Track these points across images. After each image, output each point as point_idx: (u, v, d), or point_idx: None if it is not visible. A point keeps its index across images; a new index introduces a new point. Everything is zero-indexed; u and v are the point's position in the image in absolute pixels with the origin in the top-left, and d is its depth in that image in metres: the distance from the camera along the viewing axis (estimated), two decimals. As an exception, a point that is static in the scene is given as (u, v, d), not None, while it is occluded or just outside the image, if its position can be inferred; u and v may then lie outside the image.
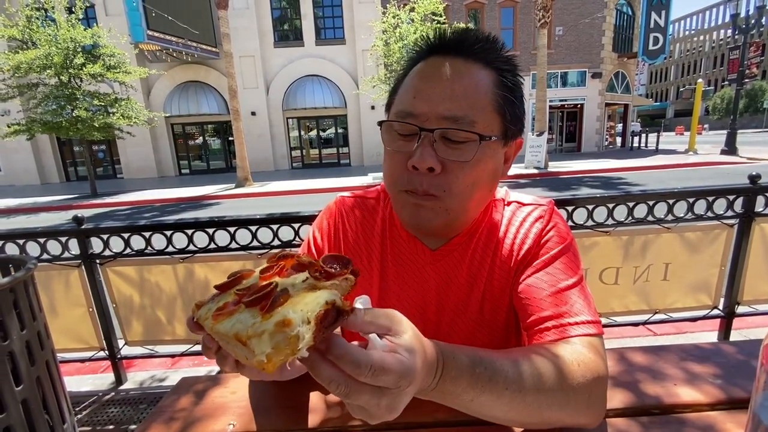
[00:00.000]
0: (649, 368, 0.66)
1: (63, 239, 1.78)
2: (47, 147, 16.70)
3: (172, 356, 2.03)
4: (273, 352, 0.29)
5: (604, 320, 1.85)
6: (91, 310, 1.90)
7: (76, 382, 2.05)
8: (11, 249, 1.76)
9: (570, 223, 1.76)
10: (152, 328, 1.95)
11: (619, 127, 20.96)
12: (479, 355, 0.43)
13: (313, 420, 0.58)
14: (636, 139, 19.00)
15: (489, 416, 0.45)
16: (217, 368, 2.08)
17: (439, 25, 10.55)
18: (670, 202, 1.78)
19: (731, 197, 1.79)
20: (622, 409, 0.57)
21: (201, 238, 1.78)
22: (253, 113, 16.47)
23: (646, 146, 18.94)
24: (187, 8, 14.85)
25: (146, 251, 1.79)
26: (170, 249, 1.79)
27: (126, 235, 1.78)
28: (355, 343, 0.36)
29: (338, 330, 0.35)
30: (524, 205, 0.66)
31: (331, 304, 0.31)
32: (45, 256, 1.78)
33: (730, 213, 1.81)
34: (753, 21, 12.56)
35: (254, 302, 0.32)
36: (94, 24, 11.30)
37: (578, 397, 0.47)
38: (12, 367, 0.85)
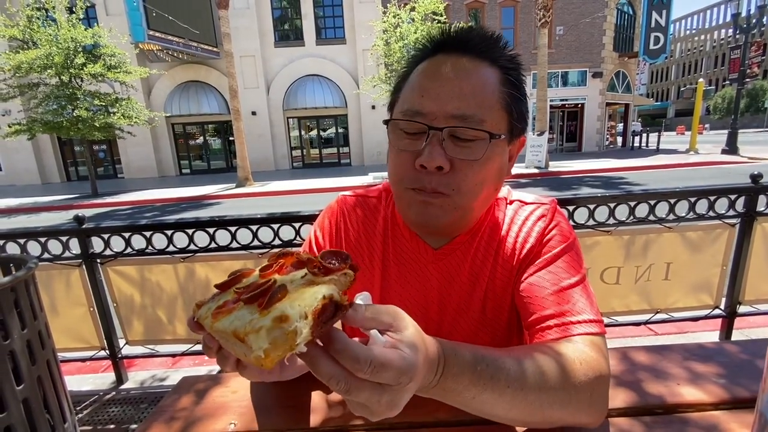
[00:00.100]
0: (652, 367, 0.66)
1: (64, 239, 1.78)
2: (48, 147, 16.72)
3: (173, 356, 2.03)
4: (271, 347, 0.29)
5: (605, 320, 1.84)
6: (91, 309, 1.90)
7: (77, 382, 2.05)
8: (12, 248, 1.76)
9: (571, 222, 1.75)
10: (153, 328, 1.95)
11: (620, 126, 20.93)
12: (481, 352, 0.43)
13: (314, 419, 0.58)
14: (637, 138, 18.98)
15: (490, 414, 0.45)
16: (218, 367, 2.08)
17: (440, 24, 10.60)
18: (672, 201, 1.78)
19: (733, 197, 1.79)
20: (625, 408, 0.57)
21: (202, 238, 1.78)
22: (254, 113, 16.47)
23: (646, 146, 18.92)
24: (188, 8, 14.86)
25: (147, 251, 1.79)
26: (171, 248, 1.79)
27: (127, 235, 1.78)
28: (357, 339, 0.36)
29: (339, 326, 0.35)
30: (527, 203, 0.66)
31: (328, 299, 0.31)
32: (46, 255, 1.78)
33: (731, 212, 1.81)
34: (754, 20, 12.55)
35: (252, 299, 0.32)
36: (95, 24, 11.32)
37: (580, 395, 0.46)
38: (13, 366, 0.85)
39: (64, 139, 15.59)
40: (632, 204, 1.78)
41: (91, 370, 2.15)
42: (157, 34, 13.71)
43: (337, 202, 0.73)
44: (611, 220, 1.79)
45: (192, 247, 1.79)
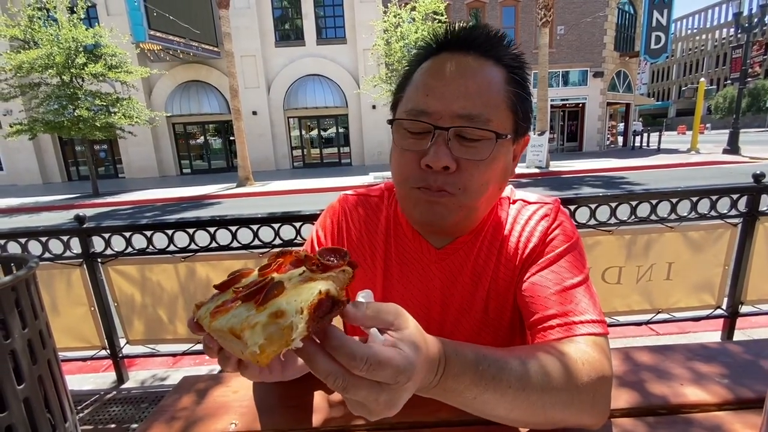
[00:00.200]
0: (655, 368, 0.65)
1: (65, 238, 1.78)
2: (49, 147, 16.75)
3: (174, 355, 2.03)
4: (266, 343, 0.29)
5: (606, 320, 1.85)
6: (92, 309, 1.90)
7: (77, 381, 2.05)
8: (13, 248, 1.76)
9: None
10: (154, 327, 1.95)
11: (621, 126, 20.91)
12: (483, 352, 0.43)
13: (316, 419, 0.58)
14: (638, 138, 18.95)
15: (492, 415, 0.44)
16: (218, 367, 2.08)
17: (441, 24, 10.58)
18: (674, 201, 1.77)
19: (735, 196, 1.78)
20: (628, 408, 0.57)
21: (202, 237, 1.77)
22: (255, 113, 16.48)
23: (647, 146, 18.89)
24: (189, 8, 14.86)
25: (148, 250, 1.79)
26: (172, 248, 1.79)
27: (127, 234, 1.78)
28: (357, 338, 0.36)
29: (341, 326, 0.34)
30: (530, 203, 0.66)
31: (325, 294, 0.31)
32: (47, 255, 1.78)
33: (733, 212, 1.80)
34: (756, 19, 12.51)
35: (249, 296, 0.32)
36: (96, 24, 11.33)
37: (583, 396, 0.46)
38: (14, 365, 0.85)
39: (65, 139, 15.62)
40: (634, 203, 1.77)
41: (91, 370, 2.15)
42: (158, 34, 13.71)
43: (339, 201, 0.73)
44: (613, 220, 1.79)
45: (193, 246, 1.79)
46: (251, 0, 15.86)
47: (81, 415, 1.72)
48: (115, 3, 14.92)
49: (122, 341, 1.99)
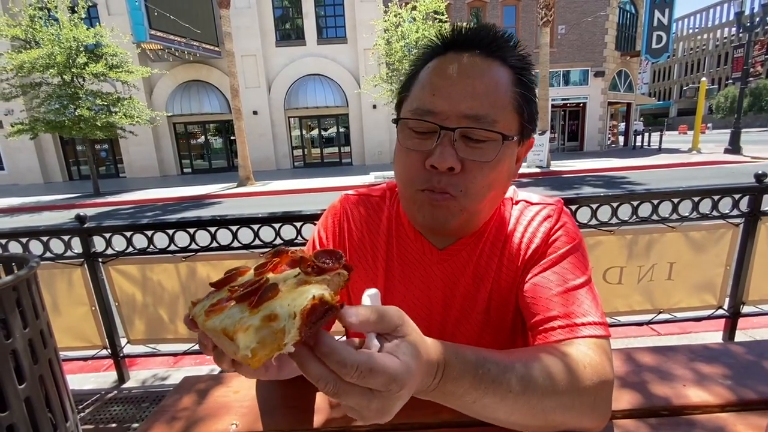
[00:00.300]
0: (657, 369, 0.65)
1: (66, 238, 1.78)
2: (50, 146, 16.77)
3: (174, 355, 2.04)
4: (258, 346, 0.29)
5: (608, 320, 1.85)
6: (93, 308, 1.90)
7: (78, 381, 2.05)
8: (14, 247, 1.77)
9: (574, 222, 1.75)
10: (154, 327, 1.95)
11: (622, 126, 20.87)
12: (483, 355, 0.42)
13: (317, 420, 0.57)
14: (639, 138, 18.92)
15: (491, 418, 0.44)
16: (219, 368, 2.08)
17: (442, 23, 10.56)
18: (675, 201, 1.77)
19: (737, 196, 1.78)
20: (630, 410, 0.56)
21: (203, 237, 1.77)
22: (255, 112, 16.48)
23: (648, 145, 18.86)
24: (189, 7, 14.87)
25: (148, 250, 1.80)
26: (172, 248, 1.79)
27: (128, 234, 1.78)
28: (356, 339, 0.36)
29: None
30: (533, 204, 0.65)
31: (318, 299, 0.31)
32: (48, 254, 1.78)
33: (735, 212, 1.80)
34: (758, 19, 12.47)
35: (244, 297, 0.32)
36: (97, 23, 11.33)
37: (584, 400, 0.46)
38: (15, 365, 0.85)
39: (67, 139, 15.64)
40: (635, 203, 1.77)
41: (92, 369, 2.16)
42: (159, 34, 13.72)
43: (340, 201, 0.73)
44: (614, 220, 1.78)
45: (193, 246, 1.79)
46: (252, -1, 15.88)
47: (82, 414, 1.73)
48: (116, 3, 14.92)
49: (123, 341, 1.99)
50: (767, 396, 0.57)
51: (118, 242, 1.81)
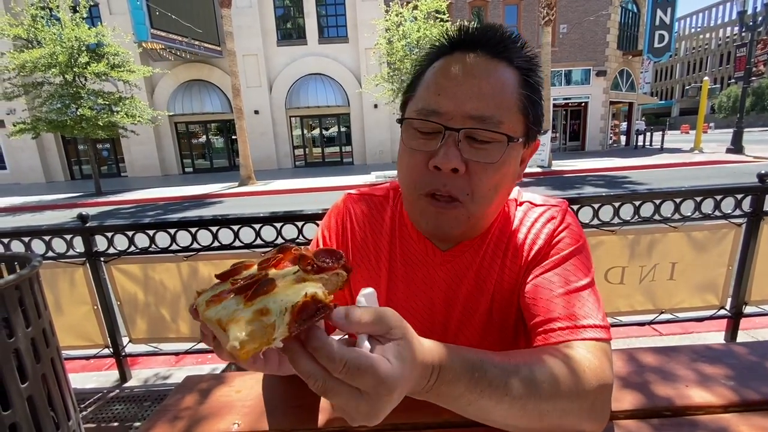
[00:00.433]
0: (660, 369, 0.65)
1: (68, 237, 1.78)
2: (52, 145, 16.81)
3: (176, 354, 2.04)
4: (247, 339, 0.29)
5: (609, 320, 1.84)
6: (95, 307, 1.91)
7: (80, 380, 2.06)
8: (17, 246, 1.77)
9: (575, 221, 1.74)
10: (156, 326, 1.95)
11: (624, 125, 20.82)
12: (480, 358, 0.42)
13: (322, 419, 0.58)
14: (640, 137, 18.87)
15: (488, 420, 0.44)
16: (221, 367, 2.09)
17: (443, 22, 10.53)
18: (677, 201, 1.76)
19: (739, 196, 1.77)
20: (633, 410, 0.56)
21: (205, 237, 1.78)
22: (257, 112, 16.49)
23: (650, 145, 18.82)
24: (191, 7, 14.88)
25: (150, 249, 1.80)
26: (174, 247, 1.80)
27: (130, 233, 1.79)
28: (351, 341, 0.36)
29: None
30: (537, 205, 0.65)
31: (310, 297, 0.31)
32: (50, 253, 1.79)
33: (738, 212, 1.79)
34: (760, 18, 12.41)
35: (241, 290, 0.33)
36: (99, 23, 11.33)
37: (582, 404, 0.45)
38: (18, 364, 0.85)
39: (68, 138, 15.65)
40: (637, 203, 1.76)
41: (94, 368, 2.16)
42: (161, 33, 13.73)
43: (343, 200, 0.73)
44: (616, 220, 1.78)
45: (195, 245, 1.79)
46: (253, -1, 15.88)
47: (84, 413, 1.73)
48: (118, 2, 14.94)
49: (125, 340, 2.00)
50: (770, 397, 0.57)
51: (120, 241, 1.81)
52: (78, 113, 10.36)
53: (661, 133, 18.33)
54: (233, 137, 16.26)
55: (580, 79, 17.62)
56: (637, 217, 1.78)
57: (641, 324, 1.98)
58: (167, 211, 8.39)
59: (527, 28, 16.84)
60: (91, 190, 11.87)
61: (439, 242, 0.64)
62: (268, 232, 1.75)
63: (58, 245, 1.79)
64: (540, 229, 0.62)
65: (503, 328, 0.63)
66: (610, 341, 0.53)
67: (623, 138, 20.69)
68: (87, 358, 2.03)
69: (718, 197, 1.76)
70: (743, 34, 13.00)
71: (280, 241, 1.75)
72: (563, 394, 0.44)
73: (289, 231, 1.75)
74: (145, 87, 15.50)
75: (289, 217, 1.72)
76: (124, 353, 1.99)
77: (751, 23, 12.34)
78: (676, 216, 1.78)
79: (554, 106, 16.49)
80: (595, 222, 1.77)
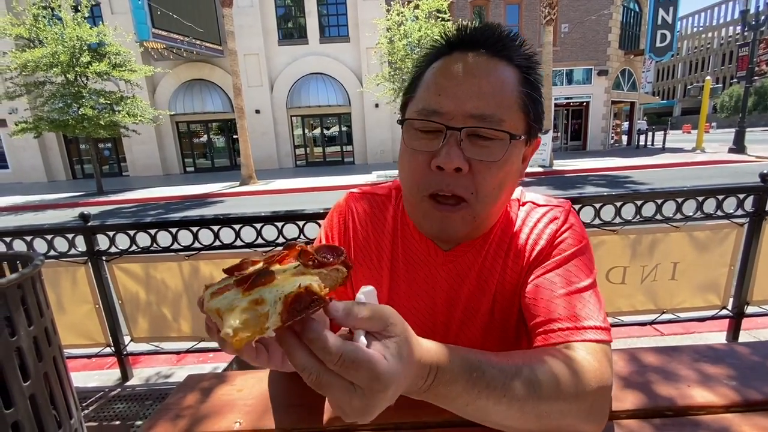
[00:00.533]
0: (662, 369, 0.65)
1: (70, 236, 1.79)
2: (54, 145, 16.85)
3: (178, 353, 2.04)
4: (241, 327, 0.30)
5: (610, 320, 1.84)
6: (97, 306, 1.91)
7: (82, 378, 2.07)
8: (19, 245, 1.78)
9: (577, 221, 1.74)
10: (158, 325, 1.96)
11: (625, 125, 20.77)
12: (479, 358, 0.42)
13: (325, 418, 0.58)
14: (642, 137, 18.82)
15: (485, 421, 0.43)
16: (222, 366, 2.09)
17: (444, 22, 10.51)
18: (679, 200, 1.76)
19: (741, 196, 1.77)
20: (634, 410, 0.56)
21: (206, 236, 1.78)
22: (258, 111, 16.50)
23: (652, 144, 18.76)
24: (192, 6, 14.89)
25: (152, 248, 1.80)
26: (175, 246, 1.80)
27: (132, 233, 1.79)
28: (348, 335, 0.36)
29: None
30: (539, 205, 0.65)
31: (304, 289, 0.31)
32: (52, 252, 1.79)
33: (740, 212, 1.79)
34: (763, 17, 12.36)
35: (241, 282, 0.34)
36: (100, 22, 11.34)
37: (580, 405, 0.45)
38: (20, 362, 0.85)
39: (70, 137, 15.66)
40: (638, 203, 1.76)
41: (96, 367, 2.17)
42: (162, 33, 13.74)
43: (345, 199, 0.73)
44: (617, 219, 1.77)
45: (196, 245, 1.79)
46: (254, -2, 15.88)
47: (86, 411, 1.74)
48: (119, 2, 14.97)
49: (127, 339, 2.00)
50: (773, 397, 0.57)
51: (122, 241, 1.82)
52: (80, 112, 10.39)
53: (662, 132, 18.27)
54: (234, 137, 16.27)
55: (581, 79, 17.58)
56: (638, 216, 1.77)
57: (642, 324, 1.98)
58: (169, 211, 8.40)
59: (529, 28, 16.80)
60: (93, 190, 11.90)
61: (441, 243, 0.64)
62: (270, 232, 1.75)
63: (60, 244, 1.79)
64: (542, 230, 0.62)
65: (505, 329, 0.63)
66: (610, 343, 0.53)
67: (625, 138, 20.64)
68: (89, 356, 2.03)
69: (720, 197, 1.75)
70: (746, 33, 12.95)
71: (281, 240, 1.75)
72: (562, 396, 0.44)
73: (291, 230, 1.75)
74: (146, 86, 15.51)
75: (291, 217, 1.72)
76: (125, 352, 2.00)
77: (753, 22, 12.29)
78: (678, 216, 1.77)
79: (556, 105, 16.46)
80: (597, 222, 1.77)
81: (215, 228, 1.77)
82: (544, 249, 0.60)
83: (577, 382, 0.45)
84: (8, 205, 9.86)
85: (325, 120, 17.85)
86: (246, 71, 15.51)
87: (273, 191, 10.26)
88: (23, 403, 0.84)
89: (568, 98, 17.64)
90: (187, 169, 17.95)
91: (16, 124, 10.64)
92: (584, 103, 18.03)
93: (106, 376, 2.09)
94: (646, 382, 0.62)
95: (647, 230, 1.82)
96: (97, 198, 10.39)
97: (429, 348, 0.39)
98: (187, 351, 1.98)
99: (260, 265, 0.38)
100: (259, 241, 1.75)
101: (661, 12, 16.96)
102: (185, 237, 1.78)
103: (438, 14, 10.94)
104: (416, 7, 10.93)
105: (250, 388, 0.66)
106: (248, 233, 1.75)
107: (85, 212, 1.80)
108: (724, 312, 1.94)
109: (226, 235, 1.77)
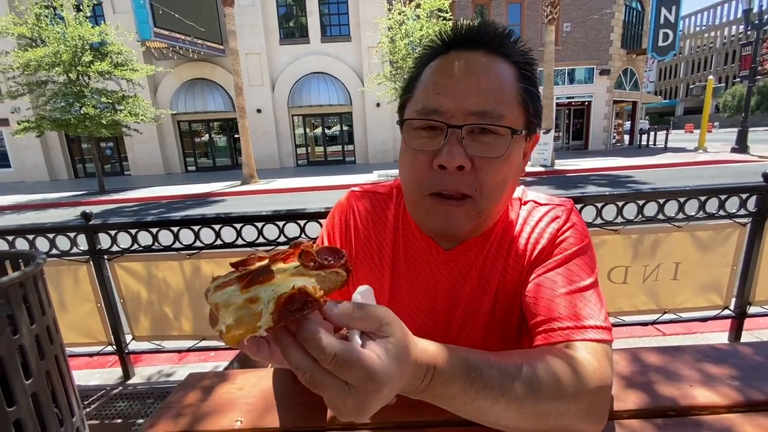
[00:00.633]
0: (664, 369, 0.65)
1: (71, 235, 1.79)
2: (56, 144, 16.91)
3: (179, 351, 2.05)
4: (234, 324, 0.30)
5: (612, 320, 1.83)
6: (99, 305, 1.92)
7: (84, 376, 2.07)
8: (21, 244, 1.78)
9: (578, 221, 1.73)
10: (159, 324, 1.96)
11: (627, 124, 20.70)
12: (477, 358, 0.42)
13: (329, 416, 0.58)
14: (644, 137, 18.75)
15: (483, 421, 0.43)
16: (223, 364, 2.10)
17: (446, 21, 10.50)
18: (681, 200, 1.75)
19: (744, 195, 1.76)
20: (637, 410, 0.56)
21: (207, 235, 1.78)
22: (259, 110, 16.51)
23: (654, 144, 18.71)
24: (194, 6, 14.90)
25: (153, 247, 1.80)
26: (177, 245, 1.80)
27: (133, 231, 1.79)
28: (336, 333, 0.36)
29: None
30: (541, 204, 0.65)
31: (298, 289, 0.31)
32: (54, 251, 1.80)
33: (742, 212, 1.78)
34: (766, 16, 12.30)
35: (241, 278, 0.34)
36: (102, 22, 11.35)
37: (580, 405, 0.45)
38: (22, 361, 0.86)
39: (72, 137, 15.74)
40: (641, 203, 1.75)
41: (98, 365, 2.18)
42: (164, 32, 13.76)
43: (347, 197, 0.73)
44: (619, 219, 1.77)
45: (198, 243, 1.79)
46: (256, -2, 15.88)
47: (88, 410, 1.74)
48: (121, 1, 14.99)
49: (128, 337, 2.01)
50: (775, 397, 0.56)
51: (124, 239, 1.82)
52: (82, 112, 10.43)
53: (665, 132, 18.21)
54: (236, 136, 16.28)
55: (583, 78, 17.53)
56: (640, 216, 1.77)
57: (644, 324, 1.97)
58: (170, 210, 8.42)
59: (530, 27, 16.77)
60: (95, 189, 11.93)
61: (443, 241, 0.64)
62: (271, 231, 1.75)
63: (62, 243, 1.80)
64: (544, 229, 0.61)
65: (506, 328, 0.63)
66: (611, 342, 0.52)
67: (627, 137, 20.58)
68: (90, 355, 2.04)
69: (723, 197, 1.75)
70: (749, 32, 12.91)
71: (282, 239, 1.75)
72: (561, 395, 0.43)
73: (292, 229, 1.75)
74: (148, 85, 15.55)
75: (292, 216, 1.73)
76: (127, 351, 2.00)
77: (756, 21, 12.23)
78: (680, 215, 1.77)
79: (557, 105, 16.40)
80: (599, 221, 1.76)
81: (217, 227, 1.77)
82: (546, 248, 0.60)
83: (576, 381, 0.45)
84: (11, 204, 9.90)
85: (326, 119, 17.86)
86: (247, 70, 15.52)
87: (274, 190, 10.27)
88: (25, 401, 0.85)
89: (569, 98, 17.59)
90: (189, 168, 17.98)
91: (19, 123, 10.68)
92: (586, 103, 17.99)
93: (107, 374, 2.10)
94: (648, 382, 0.62)
95: (649, 230, 1.82)
96: (99, 197, 10.42)
97: (426, 348, 0.39)
98: (189, 350, 1.99)
99: (265, 261, 0.38)
100: (261, 240, 1.75)
101: (664, 11, 16.90)
102: (187, 236, 1.79)
103: (439, 13, 10.93)
104: (418, 6, 10.92)
105: (251, 387, 0.66)
106: (250, 232, 1.75)
107: (87, 211, 1.80)
108: (727, 312, 1.93)
109: (228, 234, 1.77)
